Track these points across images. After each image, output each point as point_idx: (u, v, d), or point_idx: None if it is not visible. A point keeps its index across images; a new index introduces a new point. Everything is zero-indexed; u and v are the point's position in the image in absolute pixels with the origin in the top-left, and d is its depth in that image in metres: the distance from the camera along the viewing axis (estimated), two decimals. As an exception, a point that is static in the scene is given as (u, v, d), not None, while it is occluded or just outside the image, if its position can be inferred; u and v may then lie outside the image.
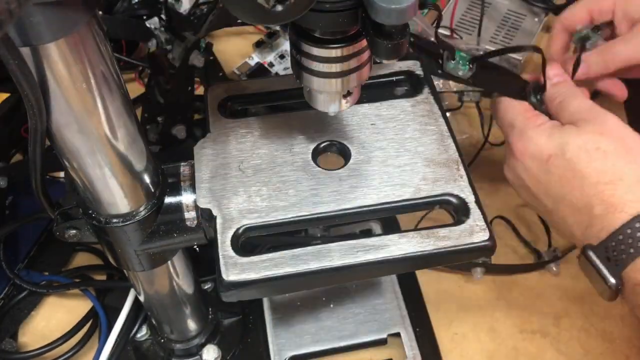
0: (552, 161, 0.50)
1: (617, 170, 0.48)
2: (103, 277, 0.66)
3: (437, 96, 0.52)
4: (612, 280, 0.45)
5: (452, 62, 0.54)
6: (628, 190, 0.46)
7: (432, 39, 0.73)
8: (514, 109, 0.54)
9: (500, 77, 0.59)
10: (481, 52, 0.80)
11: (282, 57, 0.84)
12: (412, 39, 0.54)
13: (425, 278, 0.65)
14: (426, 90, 0.52)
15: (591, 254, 0.46)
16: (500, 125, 0.56)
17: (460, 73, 0.55)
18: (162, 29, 0.79)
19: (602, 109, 0.51)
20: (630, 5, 0.56)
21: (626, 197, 0.46)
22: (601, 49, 0.58)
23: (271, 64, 0.84)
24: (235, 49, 0.86)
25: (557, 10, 0.85)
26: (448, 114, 0.73)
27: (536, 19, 0.85)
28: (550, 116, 0.53)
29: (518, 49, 0.56)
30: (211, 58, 0.84)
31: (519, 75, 0.59)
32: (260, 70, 0.83)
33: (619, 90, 0.60)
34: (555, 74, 0.56)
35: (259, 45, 0.85)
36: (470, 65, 0.54)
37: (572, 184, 0.48)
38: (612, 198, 0.46)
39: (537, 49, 0.56)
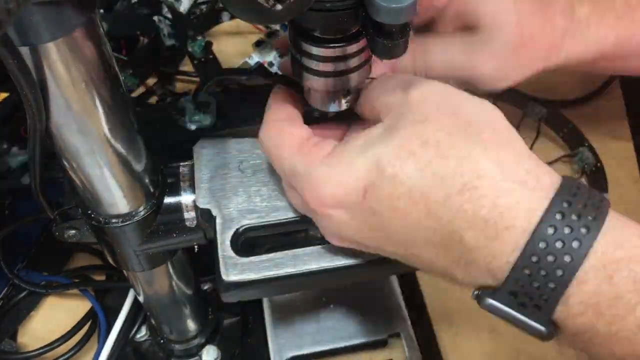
0: (370, 195, 0.34)
1: (468, 165, 0.32)
2: (102, 278, 0.66)
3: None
4: (542, 329, 0.32)
5: (186, 116, 0.46)
6: (498, 189, 0.31)
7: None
8: (284, 147, 0.38)
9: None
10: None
11: (282, 56, 0.84)
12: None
13: (426, 278, 0.65)
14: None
15: (496, 303, 0.32)
16: (283, 174, 0.39)
17: (194, 126, 0.47)
18: (166, 21, 0.79)
19: (417, 79, 0.36)
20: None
21: (503, 203, 0.31)
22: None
23: (271, 64, 0.84)
24: (235, 48, 0.86)
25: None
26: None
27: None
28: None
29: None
30: (211, 57, 0.84)
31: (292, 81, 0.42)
32: (260, 70, 0.83)
33: None
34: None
35: (258, 44, 0.85)
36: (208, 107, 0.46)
37: (414, 214, 0.33)
38: (482, 212, 0.31)
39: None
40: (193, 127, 0.48)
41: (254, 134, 0.43)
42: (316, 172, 0.36)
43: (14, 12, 0.23)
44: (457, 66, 0.47)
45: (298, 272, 0.42)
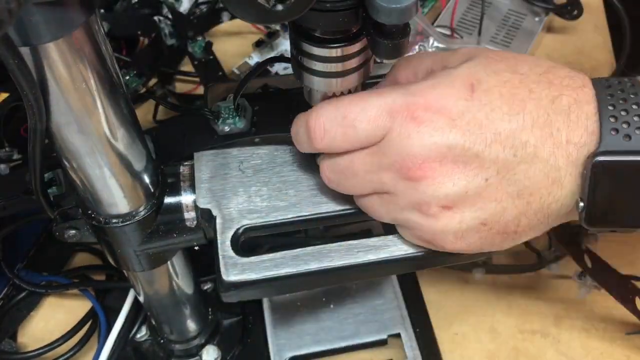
0: (478, 87, 0.38)
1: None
2: (102, 278, 0.66)
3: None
4: None
5: (220, 119, 0.47)
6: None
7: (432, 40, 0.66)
8: (373, 94, 0.40)
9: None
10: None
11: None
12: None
13: (426, 278, 0.65)
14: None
15: (609, 158, 0.36)
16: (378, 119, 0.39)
17: (227, 128, 0.47)
18: (167, 21, 0.79)
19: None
20: (447, 62, 0.43)
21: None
22: None
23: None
24: (235, 48, 0.86)
25: (558, 10, 0.85)
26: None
27: (537, 19, 0.85)
28: None
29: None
30: (211, 57, 0.84)
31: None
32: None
33: None
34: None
35: (258, 44, 0.85)
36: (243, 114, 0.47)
37: (520, 95, 0.38)
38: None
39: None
40: (227, 129, 0.47)
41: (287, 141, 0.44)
42: (419, 86, 0.38)
43: (14, 12, 0.23)
44: None
45: (298, 272, 0.42)
